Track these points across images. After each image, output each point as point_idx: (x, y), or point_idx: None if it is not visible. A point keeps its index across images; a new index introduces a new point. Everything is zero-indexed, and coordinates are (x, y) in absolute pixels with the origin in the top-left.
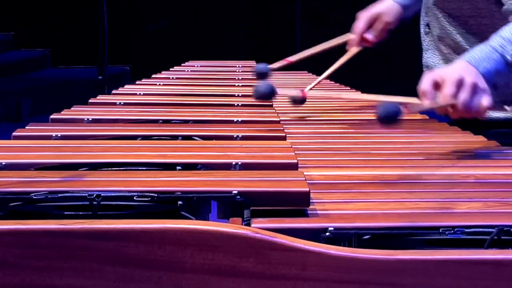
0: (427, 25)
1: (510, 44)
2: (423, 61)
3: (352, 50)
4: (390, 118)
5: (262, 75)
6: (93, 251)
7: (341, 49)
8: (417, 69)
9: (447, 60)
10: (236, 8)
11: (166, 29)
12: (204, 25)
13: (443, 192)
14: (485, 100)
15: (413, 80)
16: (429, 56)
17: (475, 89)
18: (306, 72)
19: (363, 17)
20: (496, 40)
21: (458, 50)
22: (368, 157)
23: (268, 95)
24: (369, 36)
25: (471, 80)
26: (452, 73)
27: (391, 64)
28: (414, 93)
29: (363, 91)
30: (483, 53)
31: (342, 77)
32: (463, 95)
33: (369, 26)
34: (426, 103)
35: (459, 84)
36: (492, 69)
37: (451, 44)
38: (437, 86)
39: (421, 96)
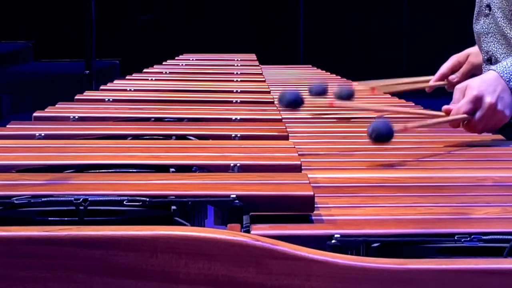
0: (488, 6)
1: None
2: (483, 45)
3: (428, 84)
4: (381, 137)
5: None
6: (79, 260)
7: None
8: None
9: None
10: None
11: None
12: (199, 15)
13: (459, 196)
14: (501, 121)
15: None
16: (491, 40)
17: (492, 110)
18: (310, 66)
19: (452, 58)
20: None
21: None
22: (377, 159)
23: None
24: (453, 76)
25: (490, 101)
26: (473, 89)
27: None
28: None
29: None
30: None
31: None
32: (478, 115)
33: (456, 67)
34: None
35: (476, 102)
36: None
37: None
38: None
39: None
